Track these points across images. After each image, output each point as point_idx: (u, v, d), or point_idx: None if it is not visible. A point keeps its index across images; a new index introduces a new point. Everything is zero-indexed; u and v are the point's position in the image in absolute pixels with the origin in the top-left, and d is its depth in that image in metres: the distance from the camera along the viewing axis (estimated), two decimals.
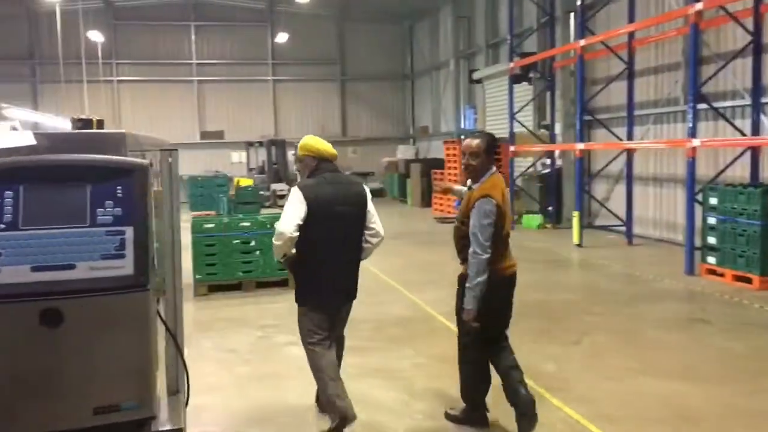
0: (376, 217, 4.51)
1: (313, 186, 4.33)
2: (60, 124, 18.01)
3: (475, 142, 4.27)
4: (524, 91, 16.66)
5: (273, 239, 4.28)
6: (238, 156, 23.52)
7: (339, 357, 4.66)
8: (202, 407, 4.72)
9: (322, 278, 4.37)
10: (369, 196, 4.52)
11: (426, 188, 20.99)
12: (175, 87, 26.43)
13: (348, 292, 4.51)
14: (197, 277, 8.65)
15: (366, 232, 4.47)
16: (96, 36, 21.62)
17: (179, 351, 2.75)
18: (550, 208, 15.56)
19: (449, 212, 17.93)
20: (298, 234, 4.20)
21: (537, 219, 15.47)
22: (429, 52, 26.14)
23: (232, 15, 26.72)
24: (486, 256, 4.08)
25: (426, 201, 20.59)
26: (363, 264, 4.59)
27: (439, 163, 20.68)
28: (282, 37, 25.07)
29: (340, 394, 4.33)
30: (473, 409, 4.55)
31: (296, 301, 4.46)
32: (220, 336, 6.92)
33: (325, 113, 27.92)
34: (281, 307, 7.81)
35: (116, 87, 25.78)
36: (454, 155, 19.03)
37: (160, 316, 2.49)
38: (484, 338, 4.34)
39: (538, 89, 16.32)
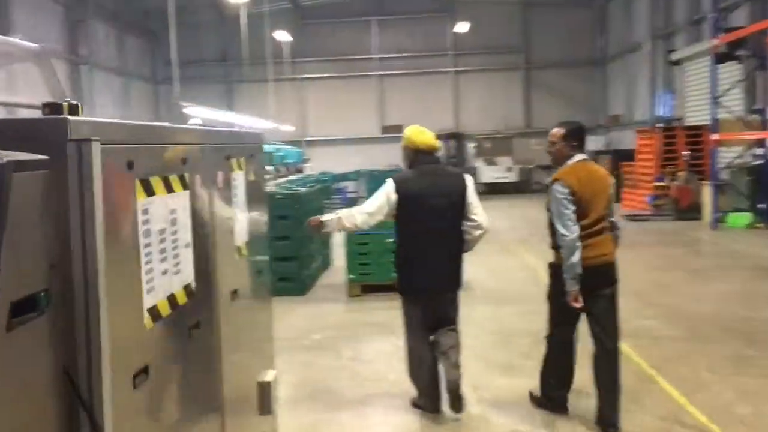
0: (478, 209, 4.53)
1: (407, 178, 4.50)
2: (246, 121, 18.83)
3: (555, 129, 4.46)
4: (731, 72, 14.58)
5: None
6: None
7: (448, 346, 4.55)
8: None
9: (419, 269, 4.50)
10: (470, 187, 4.55)
11: (615, 182, 19.26)
12: (357, 82, 26.78)
13: (446, 282, 4.58)
14: (350, 277, 8.34)
15: (467, 223, 4.51)
16: (282, 36, 22.43)
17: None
18: (762, 206, 13.46)
19: (642, 208, 16.27)
20: (367, 224, 4.48)
21: (745, 218, 13.46)
22: (622, 34, 24.07)
23: (412, 7, 26.48)
24: (571, 235, 4.12)
25: (615, 196, 18.89)
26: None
27: (629, 155, 18.93)
28: (463, 27, 24.38)
29: (430, 384, 4.55)
30: (549, 391, 4.55)
31: (397, 289, 4.68)
32: (361, 342, 6.51)
33: (507, 104, 26.81)
34: None
35: (301, 84, 26.67)
36: (648, 146, 17.28)
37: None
38: (561, 322, 4.40)
39: (748, 69, 14.18)
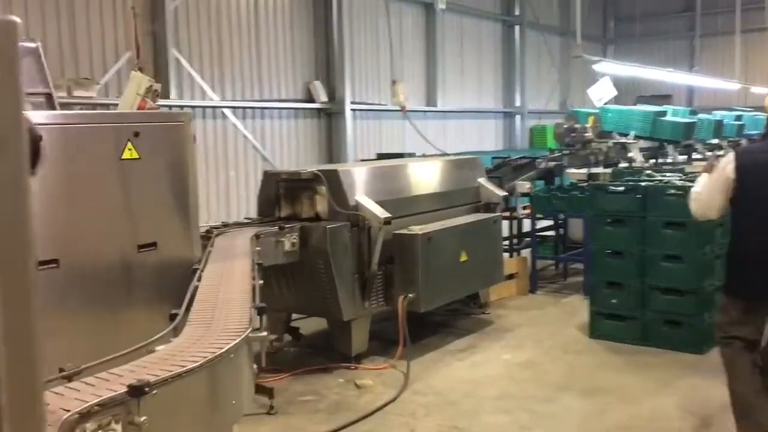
0: None
1: (754, 151, 3.83)
2: (701, 82, 15.59)
3: None
4: None
5: None
6: None
7: None
8: None
9: (754, 267, 3.59)
10: None
11: None
12: None
13: None
14: None
15: None
16: None
17: None
18: None
19: None
20: (702, 215, 3.80)
21: None
22: None
23: None
24: None
25: None
26: None
27: None
28: None
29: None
30: None
31: (723, 291, 3.87)
32: None
33: None
34: None
35: None
36: None
37: None
38: None
39: None
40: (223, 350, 2.30)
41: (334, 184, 5.47)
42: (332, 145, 13.70)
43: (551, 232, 8.92)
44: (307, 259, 5.33)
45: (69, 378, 2.11)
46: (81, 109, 8.37)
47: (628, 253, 5.93)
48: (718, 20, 20.61)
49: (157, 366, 2.18)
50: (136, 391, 1.92)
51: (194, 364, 2.16)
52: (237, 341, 2.40)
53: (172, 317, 2.68)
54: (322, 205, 5.54)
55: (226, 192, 11.55)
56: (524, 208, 8.25)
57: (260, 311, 2.72)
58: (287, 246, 5.16)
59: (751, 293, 3.61)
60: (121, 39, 9.82)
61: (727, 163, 3.64)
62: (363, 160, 14.10)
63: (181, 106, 10.90)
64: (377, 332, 5.93)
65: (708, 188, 3.71)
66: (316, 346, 6.07)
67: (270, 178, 5.83)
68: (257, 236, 4.67)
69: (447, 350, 6.01)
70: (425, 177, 6.39)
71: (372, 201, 5.51)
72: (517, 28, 18.79)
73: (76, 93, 8.81)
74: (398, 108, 11.31)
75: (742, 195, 3.59)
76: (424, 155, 11.33)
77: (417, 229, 5.66)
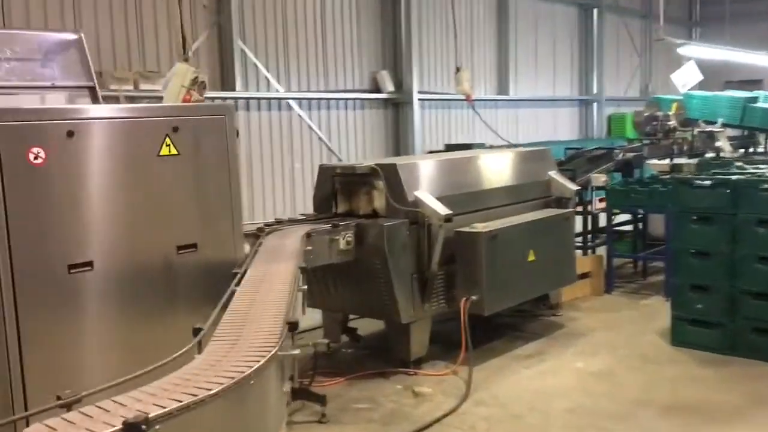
0: None
1: None
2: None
3: None
4: None
5: None
6: None
7: None
8: None
9: None
10: None
11: None
12: None
13: None
14: None
15: None
16: None
17: None
18: None
19: None
20: None
21: None
22: None
23: None
24: None
25: None
26: None
27: None
28: None
29: None
30: None
31: None
32: None
33: None
34: None
35: None
36: None
37: None
38: None
39: None
40: (243, 375, 2.02)
41: (392, 179, 5.15)
42: (399, 136, 13.39)
43: (629, 227, 8.32)
44: (364, 258, 5.04)
45: (67, 407, 1.88)
46: (147, 102, 8.36)
47: (716, 254, 5.36)
48: None
49: (167, 394, 1.93)
50: (132, 428, 1.66)
51: (206, 393, 1.90)
52: (260, 363, 2.12)
53: (196, 332, 2.43)
54: (379, 201, 5.24)
55: (292, 185, 11.40)
56: (600, 200, 7.71)
57: (291, 327, 2.43)
58: (342, 245, 4.89)
59: None
60: (188, 31, 9.78)
61: None
62: (431, 152, 13.75)
63: (247, 98, 10.85)
64: (439, 334, 5.59)
65: None
66: (375, 348, 5.78)
67: (325, 173, 5.57)
68: (308, 235, 4.41)
69: (513, 356, 5.62)
70: (490, 170, 5.98)
71: (432, 197, 5.16)
72: (594, 11, 17.94)
73: (143, 86, 8.82)
74: (467, 99, 10.89)
75: None
76: (491, 146, 10.89)
77: (480, 227, 5.28)
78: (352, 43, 12.74)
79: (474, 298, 5.22)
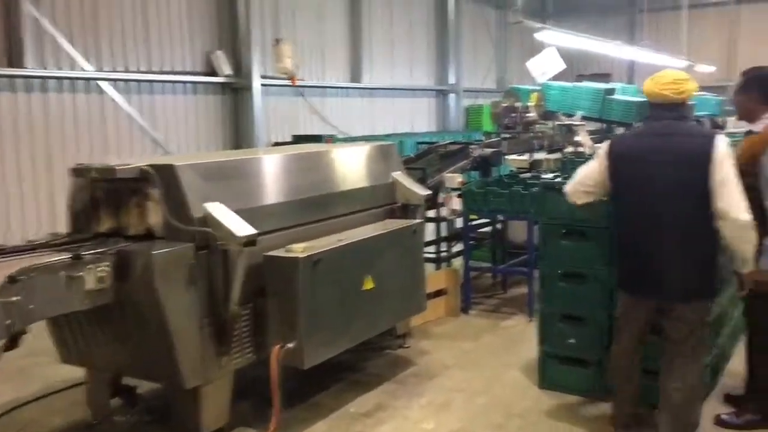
0: (727, 189, 3.29)
1: (628, 138, 3.94)
2: (647, 57, 14.34)
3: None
4: None
5: None
6: None
7: (672, 387, 3.54)
8: None
9: (635, 262, 3.60)
10: (718, 156, 3.30)
11: None
12: None
13: (675, 288, 3.48)
14: None
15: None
16: None
17: None
18: None
19: None
20: (576, 200, 3.79)
21: None
22: None
23: None
24: None
25: None
26: None
27: None
28: None
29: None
30: None
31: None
32: None
33: None
34: None
35: (735, 10, 20.41)
36: None
37: None
38: None
39: None
40: None
41: (170, 186, 3.67)
42: (240, 126, 11.79)
43: (488, 228, 7.26)
44: (128, 299, 3.55)
45: None
46: None
47: (592, 277, 4.34)
48: None
49: None
50: None
51: None
52: None
53: None
54: (155, 217, 3.74)
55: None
56: (458, 196, 6.59)
57: None
58: (91, 283, 3.36)
59: (630, 287, 3.66)
60: None
61: (603, 148, 3.66)
62: (276, 144, 12.29)
63: (42, 77, 8.87)
64: (255, 384, 4.22)
65: (583, 171, 3.73)
66: (162, 412, 4.27)
67: (81, 177, 3.96)
68: (12, 279, 2.85)
69: (345, 414, 4.32)
70: (315, 172, 4.63)
71: (229, 210, 3.74)
72: None
73: None
74: (291, 81, 9.27)
75: (615, 183, 3.59)
76: (331, 138, 9.62)
77: (298, 250, 3.93)
78: (181, 16, 10.91)
79: (290, 345, 3.88)
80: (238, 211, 3.78)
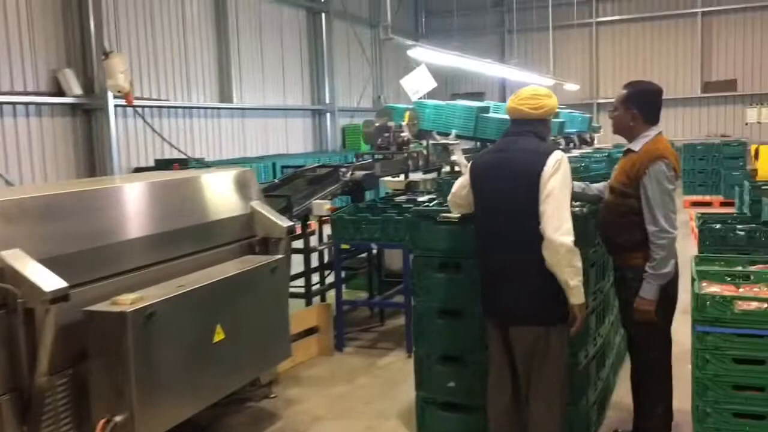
0: (549, 208, 3.12)
1: (486, 154, 3.56)
2: (516, 75, 14.55)
3: (620, 91, 3.66)
4: None
5: None
6: (756, 114, 16.63)
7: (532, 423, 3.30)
8: None
9: (482, 279, 3.47)
10: (546, 173, 3.15)
11: None
12: (670, 25, 20.56)
13: (507, 309, 3.35)
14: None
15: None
16: None
17: None
18: None
19: None
20: (455, 209, 3.70)
21: None
22: None
23: None
24: (676, 233, 3.40)
25: None
26: None
27: None
28: None
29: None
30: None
31: None
32: None
33: None
34: None
35: (594, 30, 21.35)
36: None
37: None
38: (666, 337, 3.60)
39: None
40: None
41: None
42: (95, 151, 10.75)
43: (364, 254, 6.78)
44: None
45: None
46: None
47: (470, 313, 3.94)
48: (527, 16, 20.21)
49: None
50: None
51: None
52: None
53: None
54: None
55: None
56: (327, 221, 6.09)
57: None
58: None
59: (483, 309, 3.53)
60: None
61: (469, 165, 3.59)
62: (138, 169, 11.33)
63: None
64: None
65: (457, 183, 3.63)
66: None
67: None
68: None
69: None
70: (155, 206, 3.97)
71: (31, 260, 3.03)
72: (323, 16, 16.79)
73: None
74: (125, 98, 8.44)
75: (475, 199, 3.47)
76: (184, 162, 8.92)
77: (127, 302, 3.27)
78: (21, 32, 9.83)
79: (118, 419, 3.20)
80: (48, 259, 3.08)
